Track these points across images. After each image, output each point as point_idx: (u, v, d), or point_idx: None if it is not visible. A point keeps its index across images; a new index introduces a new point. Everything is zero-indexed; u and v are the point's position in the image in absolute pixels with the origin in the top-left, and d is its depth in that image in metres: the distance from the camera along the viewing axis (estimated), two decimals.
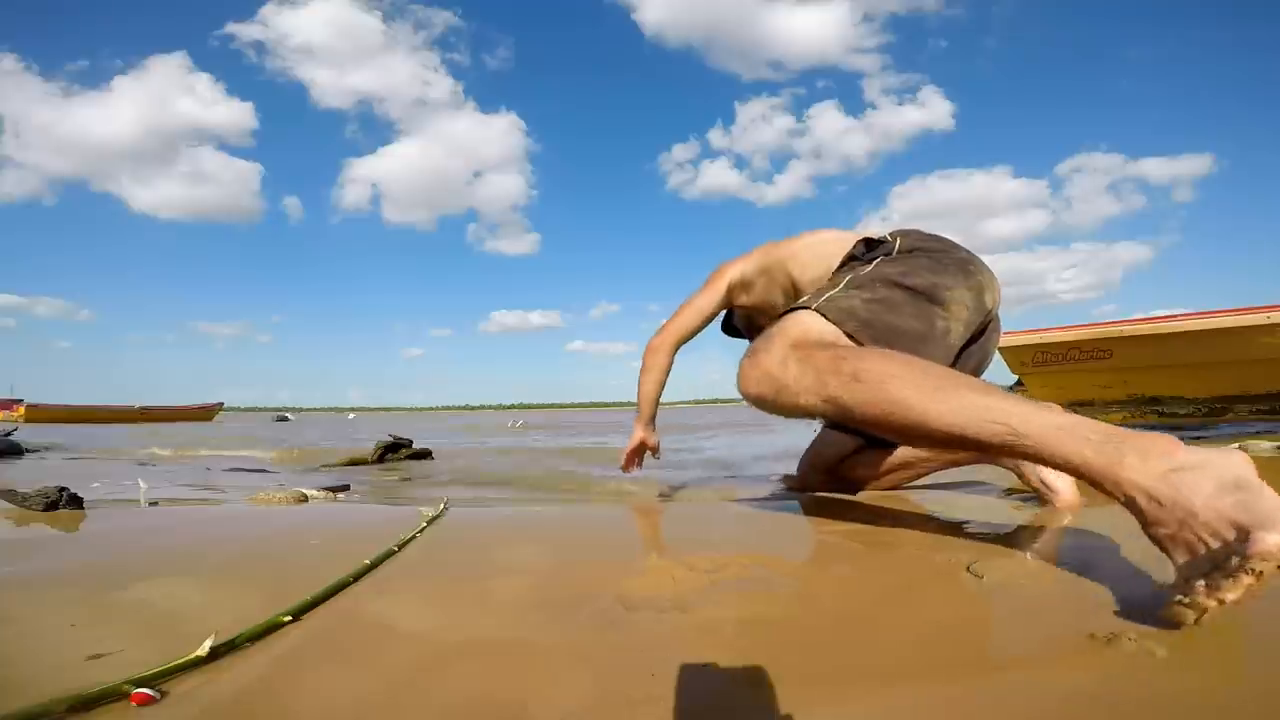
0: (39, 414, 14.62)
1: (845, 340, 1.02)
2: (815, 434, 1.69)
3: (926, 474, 1.51)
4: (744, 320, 1.66)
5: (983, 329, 1.31)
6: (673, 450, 3.66)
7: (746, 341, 1.50)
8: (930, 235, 1.30)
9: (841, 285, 1.13)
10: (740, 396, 1.04)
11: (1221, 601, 0.60)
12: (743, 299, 1.58)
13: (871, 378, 0.87)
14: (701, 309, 1.59)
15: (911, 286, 1.12)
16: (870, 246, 1.29)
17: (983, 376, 1.36)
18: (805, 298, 1.14)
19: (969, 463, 1.42)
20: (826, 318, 1.04)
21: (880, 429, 0.89)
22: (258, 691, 0.58)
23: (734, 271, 1.56)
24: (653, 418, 1.80)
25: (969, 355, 1.32)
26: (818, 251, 1.41)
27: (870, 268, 1.18)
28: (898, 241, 1.26)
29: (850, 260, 1.28)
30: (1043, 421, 0.76)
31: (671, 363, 1.68)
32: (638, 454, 1.84)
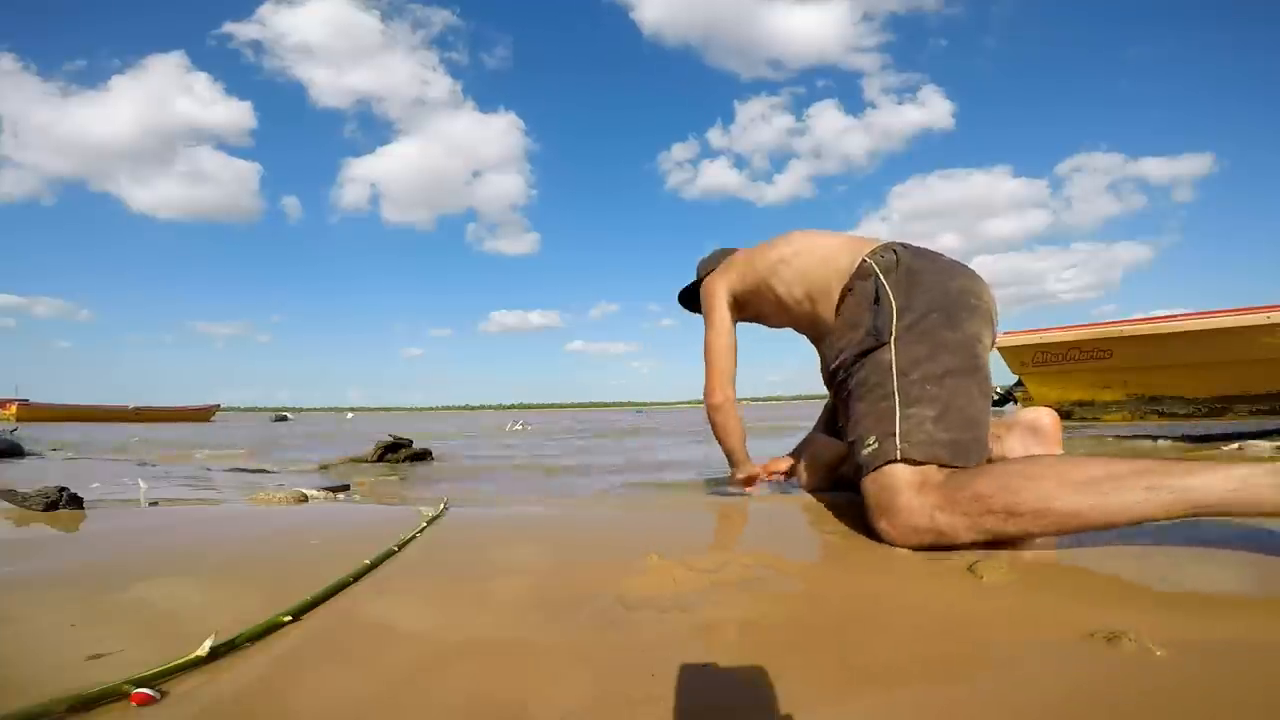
0: (30, 413, 14.54)
1: (946, 473, 1.03)
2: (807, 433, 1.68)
3: None
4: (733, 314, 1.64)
5: None
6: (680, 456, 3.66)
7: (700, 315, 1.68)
8: (920, 269, 1.22)
9: (897, 409, 1.09)
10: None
11: None
12: (736, 316, 1.65)
13: (1026, 508, 0.92)
14: (728, 346, 1.61)
15: (951, 370, 1.11)
16: (864, 278, 1.25)
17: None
18: (872, 441, 1.10)
19: None
20: (917, 462, 1.04)
21: (1056, 535, 0.95)
22: (258, 691, 0.58)
23: (725, 294, 1.59)
24: (747, 456, 1.70)
25: None
26: (798, 269, 1.40)
27: (900, 363, 1.12)
28: (895, 303, 1.18)
29: (863, 334, 1.19)
30: (1221, 488, 0.83)
31: (737, 407, 1.65)
32: (754, 480, 1.71)
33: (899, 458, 1.05)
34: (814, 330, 1.43)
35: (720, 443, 1.67)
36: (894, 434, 1.07)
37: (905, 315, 1.16)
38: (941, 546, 0.99)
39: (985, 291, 1.23)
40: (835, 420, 1.47)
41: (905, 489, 1.03)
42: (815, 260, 1.38)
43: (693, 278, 1.83)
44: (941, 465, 1.04)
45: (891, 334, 1.15)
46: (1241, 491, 0.83)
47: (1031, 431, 1.34)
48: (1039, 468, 0.95)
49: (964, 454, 1.05)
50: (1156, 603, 0.75)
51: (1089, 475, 0.90)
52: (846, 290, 1.28)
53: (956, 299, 1.17)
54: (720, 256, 1.74)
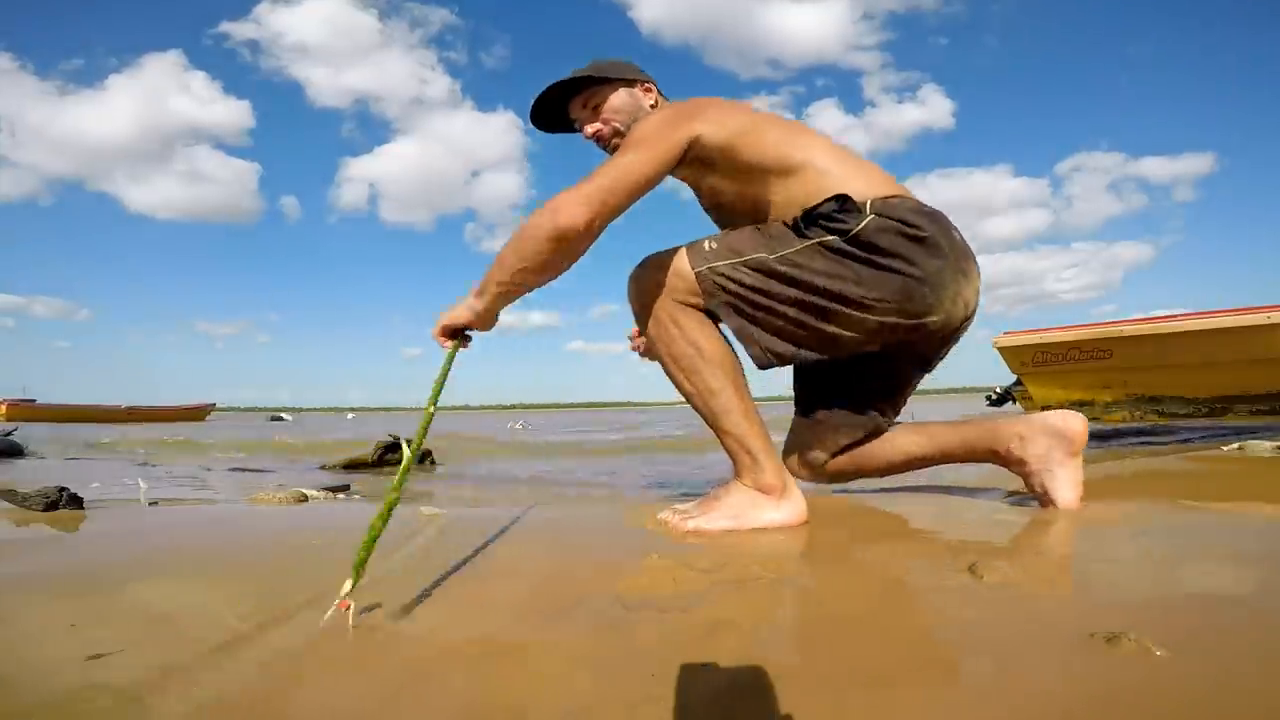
0: (21, 413, 14.47)
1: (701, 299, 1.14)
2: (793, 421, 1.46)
3: (919, 467, 1.42)
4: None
5: (945, 337, 1.24)
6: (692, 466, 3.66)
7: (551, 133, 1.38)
8: (912, 230, 1.11)
9: (744, 256, 1.11)
10: None
11: None
12: (682, 172, 1.24)
13: (698, 357, 1.14)
14: (647, 183, 1.12)
15: (820, 290, 1.10)
16: (842, 206, 1.11)
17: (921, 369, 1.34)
18: (701, 243, 1.16)
19: (961, 461, 1.40)
20: (697, 273, 1.13)
21: (678, 387, 1.19)
22: (257, 691, 0.58)
23: (690, 137, 1.15)
24: None
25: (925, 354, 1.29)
26: (820, 191, 1.14)
27: (798, 248, 1.10)
28: (868, 222, 1.10)
29: (810, 218, 1.12)
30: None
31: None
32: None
33: (696, 268, 1.13)
34: (743, 219, 1.24)
35: (520, 285, 1.14)
36: (718, 254, 1.14)
37: (854, 243, 1.10)
38: (638, 310, 1.20)
39: (972, 286, 1.19)
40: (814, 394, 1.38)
41: (668, 267, 1.14)
42: (831, 181, 1.15)
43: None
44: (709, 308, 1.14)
45: (817, 237, 1.11)
46: None
47: (1059, 436, 1.23)
48: (717, 350, 1.16)
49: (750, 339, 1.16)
50: (1156, 603, 0.75)
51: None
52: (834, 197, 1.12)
53: (958, 256, 1.15)
54: (629, 71, 1.34)
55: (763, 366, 1.17)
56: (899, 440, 1.36)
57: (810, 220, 1.12)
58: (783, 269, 1.11)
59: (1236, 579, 0.84)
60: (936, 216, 1.16)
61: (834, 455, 1.38)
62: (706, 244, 1.16)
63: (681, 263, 1.14)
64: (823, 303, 1.11)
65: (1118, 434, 3.48)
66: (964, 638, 0.66)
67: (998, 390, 7.94)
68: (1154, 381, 3.71)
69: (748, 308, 1.13)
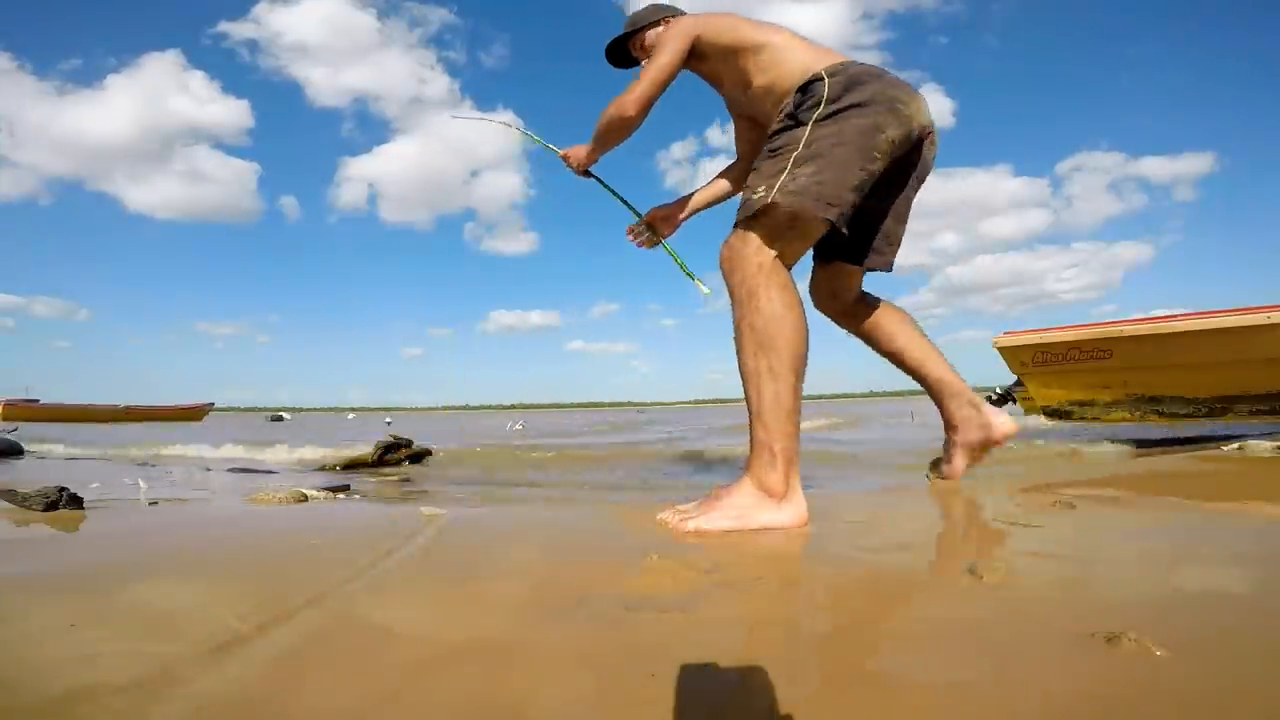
0: (16, 413, 14.40)
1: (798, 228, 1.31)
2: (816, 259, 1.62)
3: (899, 367, 1.61)
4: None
5: (917, 144, 1.46)
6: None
7: (625, 71, 1.77)
8: (861, 75, 1.37)
9: (789, 167, 1.30)
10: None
11: None
12: (692, 63, 1.59)
13: (768, 331, 1.23)
14: (669, 78, 1.54)
15: (844, 143, 1.30)
16: (804, 92, 1.38)
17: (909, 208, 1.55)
18: (760, 191, 1.30)
19: (923, 388, 1.59)
20: (780, 210, 1.28)
21: (741, 357, 1.26)
22: (257, 691, 0.58)
23: (691, 37, 1.53)
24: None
25: (906, 170, 1.49)
26: (776, 64, 1.46)
27: (807, 133, 1.33)
28: (827, 86, 1.35)
29: (788, 120, 1.38)
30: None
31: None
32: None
33: (770, 200, 1.27)
34: (753, 114, 1.61)
35: (611, 118, 1.57)
36: (775, 184, 1.28)
37: (830, 105, 1.33)
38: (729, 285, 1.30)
39: (914, 103, 1.39)
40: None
41: (757, 240, 1.29)
42: (794, 66, 1.44)
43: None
44: (800, 215, 1.27)
45: (811, 119, 1.33)
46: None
47: (988, 431, 1.54)
48: (791, 333, 1.23)
49: (824, 205, 1.26)
50: (1156, 603, 0.75)
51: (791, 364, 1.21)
52: (798, 89, 1.40)
53: (879, 99, 1.34)
54: (655, 12, 1.70)
55: (848, 221, 1.31)
56: (900, 336, 1.58)
57: (795, 116, 1.36)
58: (813, 150, 1.30)
59: (1236, 579, 0.84)
60: (867, 67, 1.41)
61: (851, 298, 1.59)
62: (753, 192, 1.32)
63: (755, 216, 1.30)
64: (855, 146, 1.30)
65: (1118, 434, 3.48)
66: (964, 637, 0.66)
67: (997, 390, 7.95)
68: (1154, 381, 3.71)
69: (814, 186, 1.27)
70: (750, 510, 1.18)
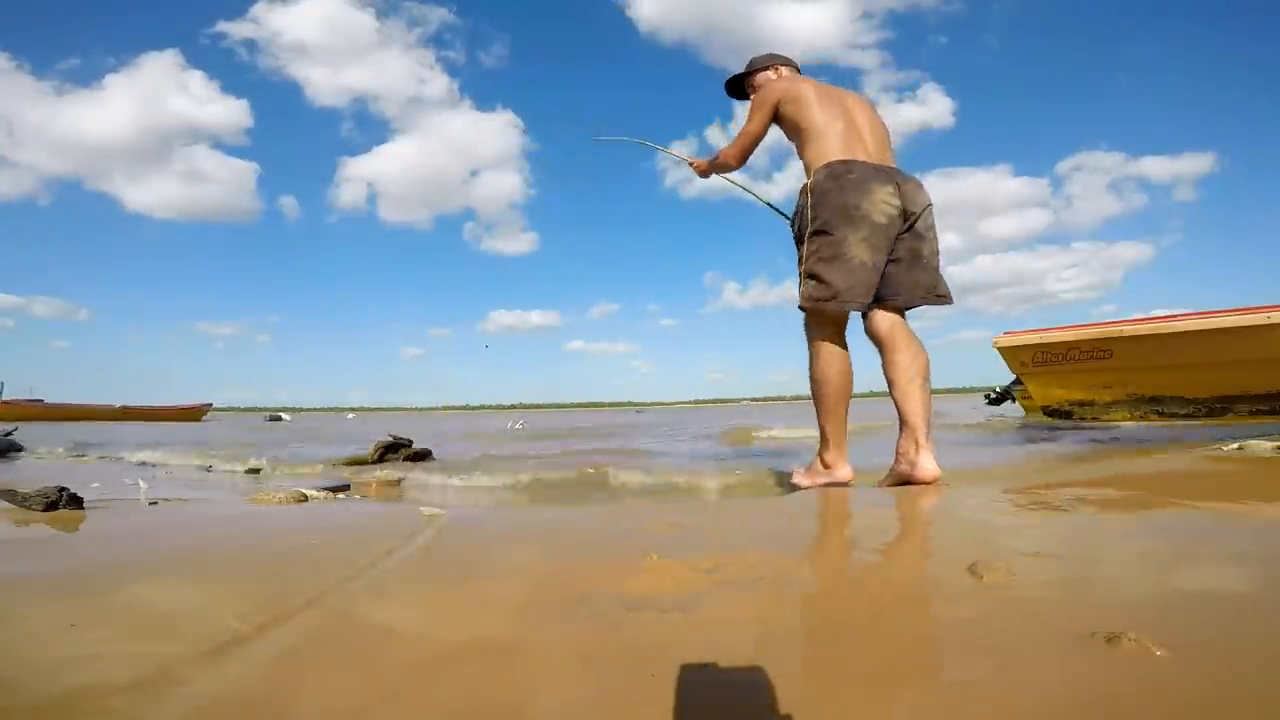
0: (11, 412, 14.29)
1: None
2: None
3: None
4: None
5: (910, 224, 1.81)
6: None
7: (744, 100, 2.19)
8: (828, 188, 1.78)
9: (801, 278, 1.84)
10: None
11: None
12: (773, 117, 2.03)
13: (815, 377, 1.85)
14: (758, 135, 2.06)
15: (824, 257, 1.78)
16: (798, 214, 1.87)
17: (936, 256, 1.89)
18: (799, 290, 1.85)
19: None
20: (803, 308, 1.86)
21: (810, 384, 1.87)
22: (258, 691, 0.58)
23: (775, 101, 1.97)
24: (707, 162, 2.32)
25: (903, 242, 1.82)
26: (805, 152, 1.91)
27: (804, 250, 1.83)
28: (808, 208, 1.81)
29: (795, 237, 1.90)
30: None
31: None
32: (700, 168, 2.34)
33: (799, 305, 1.85)
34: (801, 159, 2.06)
35: (720, 171, 2.23)
36: (799, 293, 1.84)
37: (810, 227, 1.81)
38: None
39: (873, 198, 1.75)
40: None
41: (806, 324, 1.89)
42: (810, 159, 1.87)
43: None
44: (812, 311, 1.83)
45: (805, 238, 1.83)
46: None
47: (913, 479, 1.71)
48: (837, 381, 1.82)
49: (821, 302, 1.77)
50: (1156, 603, 0.75)
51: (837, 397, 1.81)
52: (807, 186, 1.85)
53: (837, 217, 1.75)
54: (768, 59, 2.17)
55: (844, 300, 1.76)
56: (896, 374, 1.81)
57: (797, 235, 1.89)
58: (807, 266, 1.81)
59: (1236, 579, 0.84)
60: (835, 173, 1.78)
61: (881, 332, 1.85)
62: (799, 292, 1.86)
63: (808, 322, 1.90)
64: (830, 254, 1.77)
65: (1118, 434, 3.47)
66: (964, 638, 0.66)
67: (996, 390, 7.93)
68: (1154, 381, 3.70)
69: (814, 291, 1.79)
70: (819, 474, 1.82)
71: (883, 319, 1.83)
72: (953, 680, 0.57)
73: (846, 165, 1.78)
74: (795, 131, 1.94)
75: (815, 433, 1.87)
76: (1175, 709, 0.50)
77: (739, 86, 2.21)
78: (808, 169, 1.87)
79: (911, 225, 1.81)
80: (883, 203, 1.76)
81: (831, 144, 1.84)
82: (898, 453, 1.72)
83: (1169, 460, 2.27)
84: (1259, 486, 1.65)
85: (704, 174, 2.27)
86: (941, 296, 1.86)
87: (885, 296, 1.80)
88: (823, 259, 1.76)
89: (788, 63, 2.16)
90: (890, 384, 1.80)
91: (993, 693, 0.54)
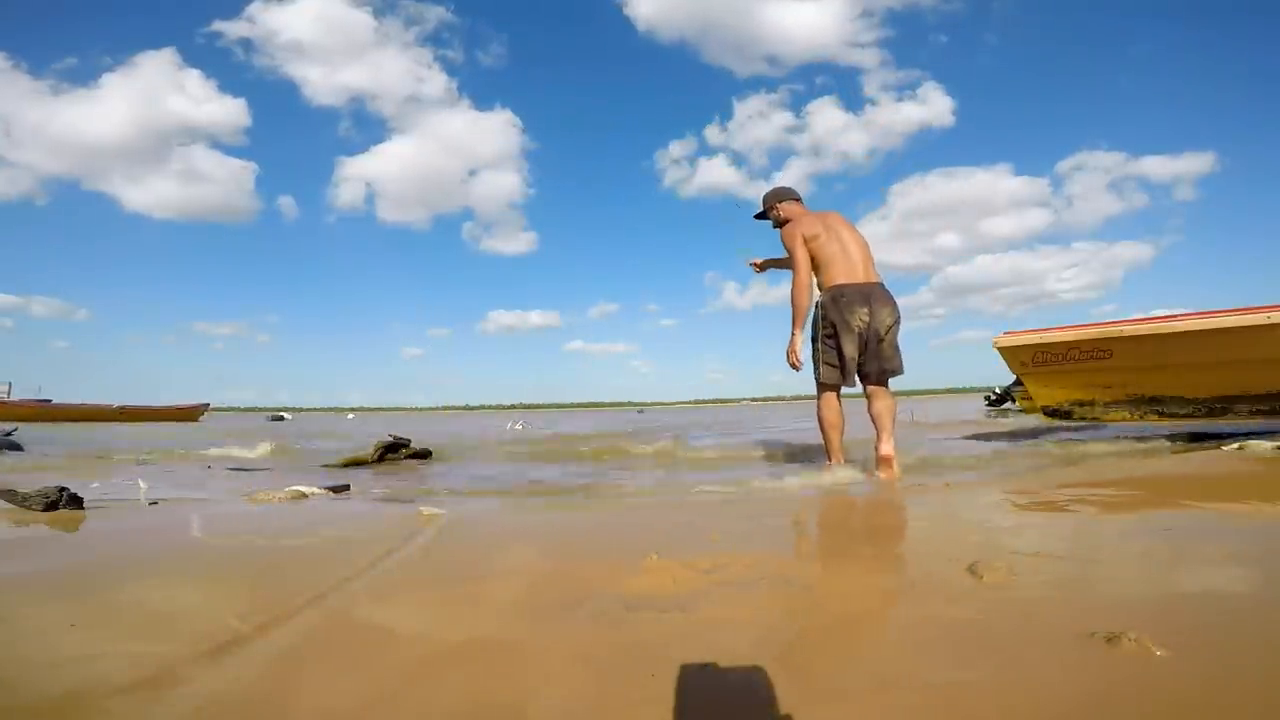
0: (10, 412, 14.24)
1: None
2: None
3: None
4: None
5: (879, 338, 2.54)
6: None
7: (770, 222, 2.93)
8: (829, 305, 2.57)
9: (818, 364, 2.61)
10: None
11: None
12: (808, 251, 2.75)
13: (819, 420, 2.65)
14: (806, 280, 2.65)
15: (828, 360, 2.58)
16: (814, 323, 2.64)
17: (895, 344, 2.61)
18: (816, 372, 2.63)
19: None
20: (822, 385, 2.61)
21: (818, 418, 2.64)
22: (258, 691, 0.58)
23: (801, 240, 2.66)
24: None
25: (874, 347, 2.55)
26: (820, 273, 2.66)
27: (818, 348, 2.60)
28: (821, 319, 2.60)
29: (811, 336, 2.64)
30: None
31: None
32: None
33: (817, 380, 2.60)
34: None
35: (797, 306, 2.72)
36: (815, 374, 2.61)
37: (822, 331, 2.59)
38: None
39: (860, 314, 2.51)
40: None
41: (819, 390, 2.61)
42: (824, 280, 2.62)
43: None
44: (822, 385, 2.58)
45: (818, 340, 2.60)
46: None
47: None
48: (833, 418, 2.60)
49: (825, 381, 2.56)
50: (1156, 603, 0.75)
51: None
52: (821, 301, 2.63)
53: (839, 326, 2.52)
54: (781, 194, 2.92)
55: (837, 380, 2.56)
56: (873, 411, 2.56)
57: (813, 338, 2.63)
58: (819, 357, 2.60)
59: (1236, 579, 0.84)
60: (834, 296, 2.58)
61: (867, 387, 2.61)
62: (818, 373, 2.61)
63: (816, 381, 2.63)
64: (833, 350, 2.56)
65: (1118, 434, 3.48)
66: (964, 638, 0.66)
67: (996, 390, 7.94)
68: (1154, 381, 3.70)
69: (823, 373, 2.58)
70: (828, 476, 2.37)
71: (865, 384, 2.69)
72: (953, 679, 0.57)
73: (841, 290, 2.60)
74: (814, 255, 2.69)
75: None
76: (1175, 709, 0.50)
77: (762, 214, 3.01)
78: (820, 287, 2.68)
79: (880, 338, 2.60)
80: (859, 320, 2.62)
81: (835, 271, 2.65)
82: (874, 445, 2.52)
83: (1169, 460, 2.27)
84: (1259, 486, 1.65)
85: (793, 352, 2.74)
86: (892, 371, 2.61)
87: (865, 374, 2.60)
88: (827, 361, 2.61)
89: (796, 198, 2.94)
90: (871, 415, 2.61)
91: (993, 692, 0.54)
